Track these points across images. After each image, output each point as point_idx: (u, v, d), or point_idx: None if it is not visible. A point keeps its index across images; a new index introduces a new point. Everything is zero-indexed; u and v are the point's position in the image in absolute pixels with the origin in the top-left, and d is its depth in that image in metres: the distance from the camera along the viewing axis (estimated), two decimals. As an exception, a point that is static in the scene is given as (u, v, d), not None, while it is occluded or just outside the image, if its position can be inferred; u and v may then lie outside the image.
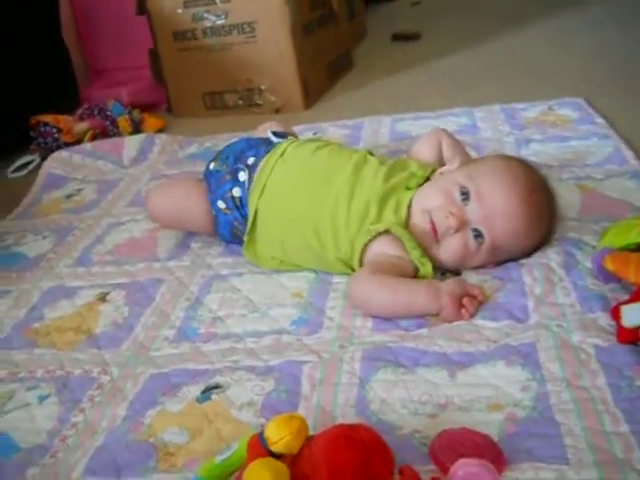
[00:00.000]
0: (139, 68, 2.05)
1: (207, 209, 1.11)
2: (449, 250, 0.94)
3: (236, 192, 1.08)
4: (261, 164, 1.08)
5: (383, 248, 0.96)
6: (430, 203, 0.95)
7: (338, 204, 0.99)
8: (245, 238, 1.06)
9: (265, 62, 1.82)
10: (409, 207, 0.97)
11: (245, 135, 1.27)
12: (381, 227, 0.96)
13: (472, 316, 0.87)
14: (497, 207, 0.92)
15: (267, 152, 1.10)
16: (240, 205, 1.08)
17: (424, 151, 1.13)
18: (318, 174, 1.03)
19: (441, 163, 1.10)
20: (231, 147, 1.16)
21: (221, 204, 1.09)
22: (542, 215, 0.95)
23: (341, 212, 0.98)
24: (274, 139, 1.15)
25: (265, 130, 1.25)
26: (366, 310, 0.91)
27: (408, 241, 0.94)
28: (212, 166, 1.15)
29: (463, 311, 0.87)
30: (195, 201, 1.13)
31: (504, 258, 0.97)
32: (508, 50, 2.15)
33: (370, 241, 0.96)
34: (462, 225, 0.92)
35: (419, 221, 0.96)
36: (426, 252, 0.95)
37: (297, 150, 1.09)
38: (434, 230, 0.94)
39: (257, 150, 1.11)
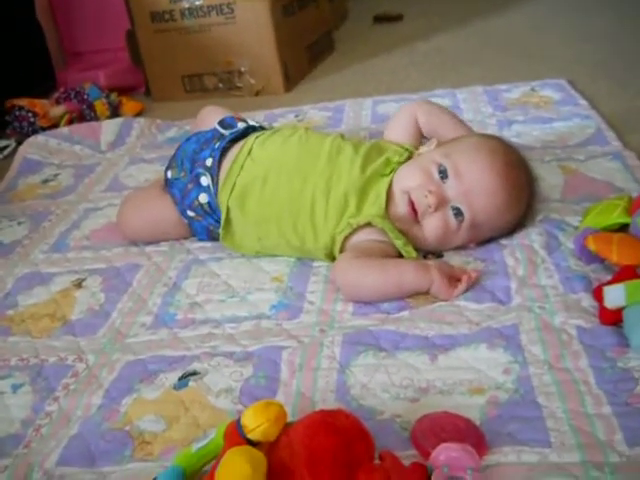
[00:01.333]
0: (116, 50, 2.01)
1: (179, 220, 1.08)
2: (430, 229, 0.93)
3: (202, 198, 1.04)
4: (225, 164, 1.04)
5: (366, 237, 0.94)
6: (408, 183, 0.94)
7: (316, 199, 0.96)
8: (220, 232, 1.03)
9: (245, 44, 1.80)
10: (388, 192, 0.95)
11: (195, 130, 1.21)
12: (362, 220, 0.94)
13: (462, 292, 0.86)
14: (475, 183, 0.91)
15: (222, 149, 1.05)
16: (210, 210, 1.04)
17: (398, 131, 1.08)
18: (291, 169, 0.99)
19: (420, 141, 1.08)
20: (183, 149, 1.12)
21: (191, 213, 1.06)
22: (521, 190, 0.94)
23: (319, 207, 0.96)
24: (223, 132, 1.09)
25: (208, 118, 1.20)
26: (354, 295, 0.89)
27: (390, 231, 0.93)
28: (170, 174, 1.10)
29: (456, 286, 0.86)
30: (166, 216, 1.09)
31: (485, 236, 0.96)
32: (492, 32, 2.14)
33: (351, 234, 0.94)
34: (441, 203, 0.91)
35: (398, 202, 0.94)
36: (408, 237, 0.94)
37: (265, 145, 1.04)
38: (413, 210, 0.92)
39: (211, 149, 1.06)
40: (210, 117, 1.22)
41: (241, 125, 1.12)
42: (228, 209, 1.01)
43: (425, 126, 1.08)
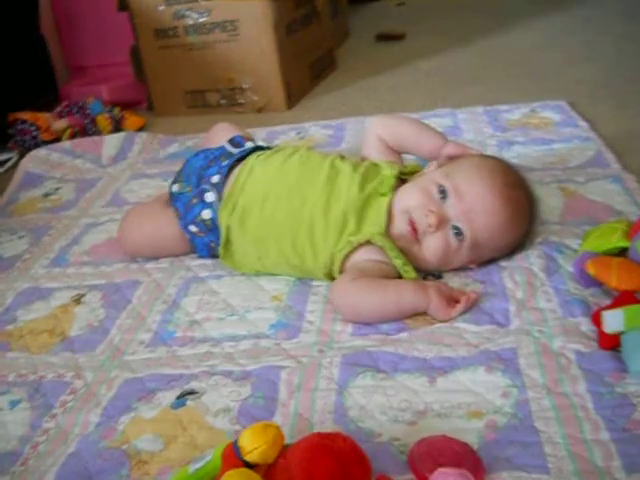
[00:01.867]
0: (120, 65, 2.02)
1: (181, 235, 1.08)
2: (430, 249, 0.93)
3: (206, 214, 1.04)
4: (228, 183, 1.04)
5: (365, 256, 0.94)
6: (409, 202, 0.95)
7: (315, 218, 0.97)
8: (220, 251, 1.03)
9: (247, 61, 1.81)
10: (388, 212, 0.96)
11: (203, 148, 1.21)
12: (362, 238, 0.94)
13: (460, 312, 0.87)
14: (476, 202, 0.91)
15: (229, 167, 1.06)
16: (213, 227, 1.04)
17: (372, 153, 1.08)
18: (290, 188, 1.00)
19: (398, 156, 1.08)
20: (190, 164, 1.12)
21: (193, 228, 1.06)
22: (521, 209, 0.95)
23: (319, 225, 0.96)
24: (232, 150, 1.11)
25: (219, 135, 1.21)
26: (354, 315, 0.89)
27: (390, 250, 0.93)
28: (175, 188, 1.10)
29: (454, 306, 0.87)
30: (168, 232, 1.09)
31: (486, 257, 0.96)
32: (494, 51, 2.15)
33: (351, 252, 0.95)
34: (442, 222, 0.92)
35: (399, 222, 0.95)
36: (408, 257, 0.94)
37: (265, 165, 1.05)
38: (414, 230, 0.93)
39: (219, 166, 1.07)
40: (221, 134, 1.23)
41: (249, 145, 1.13)
42: (228, 228, 1.02)
43: (391, 142, 1.08)
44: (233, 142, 1.13)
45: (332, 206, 0.97)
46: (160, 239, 1.11)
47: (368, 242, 0.94)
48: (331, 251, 0.96)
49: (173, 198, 1.10)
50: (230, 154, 1.10)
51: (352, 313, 0.90)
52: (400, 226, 0.95)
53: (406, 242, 0.94)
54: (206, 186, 1.06)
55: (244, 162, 1.07)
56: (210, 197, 1.05)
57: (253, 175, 1.04)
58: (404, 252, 0.94)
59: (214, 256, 1.07)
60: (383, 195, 0.98)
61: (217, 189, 1.05)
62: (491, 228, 0.92)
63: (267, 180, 1.03)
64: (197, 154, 1.14)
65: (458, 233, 0.92)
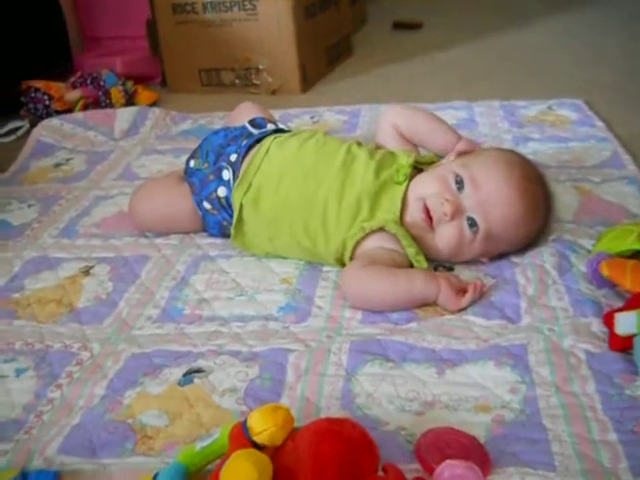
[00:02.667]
0: (135, 38, 2.01)
1: (193, 211, 1.07)
2: (444, 238, 0.92)
3: (221, 192, 1.04)
4: (245, 163, 1.04)
5: (377, 243, 0.94)
6: (425, 190, 0.94)
7: (328, 202, 0.96)
8: (232, 231, 1.03)
9: (264, 41, 1.79)
10: (403, 201, 0.95)
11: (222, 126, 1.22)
12: (375, 225, 0.94)
13: (469, 302, 0.86)
14: (492, 193, 0.91)
15: (248, 147, 1.06)
16: (227, 205, 1.04)
17: (387, 141, 1.09)
18: (306, 171, 0.99)
19: (413, 146, 1.08)
20: (209, 141, 1.12)
21: (207, 205, 1.06)
22: (537, 203, 0.94)
23: (332, 210, 0.96)
24: (252, 130, 1.10)
25: (242, 115, 1.21)
26: (363, 302, 0.89)
27: (404, 238, 0.92)
28: (192, 164, 1.10)
29: (464, 296, 0.87)
30: (180, 207, 1.08)
31: (499, 250, 0.95)
32: (509, 47, 2.13)
33: (363, 238, 0.94)
34: (457, 212, 0.91)
35: (414, 209, 0.94)
36: (421, 245, 0.93)
37: (282, 147, 1.04)
38: (429, 217, 0.92)
39: (237, 145, 1.07)
40: (244, 114, 1.22)
41: (270, 127, 1.12)
42: (241, 207, 1.01)
43: (405, 132, 1.08)
44: (254, 123, 1.12)
45: (346, 191, 0.96)
46: (171, 214, 1.10)
47: (381, 229, 0.94)
48: (343, 236, 0.95)
49: (189, 173, 1.10)
50: (250, 134, 1.09)
51: (361, 300, 0.89)
52: (415, 213, 0.94)
53: (420, 230, 0.94)
54: (224, 164, 1.05)
55: (261, 143, 1.06)
56: (227, 175, 1.04)
57: (269, 156, 1.03)
58: (417, 240, 0.94)
59: (224, 235, 1.07)
60: (399, 183, 0.97)
61: (234, 168, 1.04)
62: (506, 220, 0.91)
63: (283, 162, 1.02)
64: (217, 132, 1.14)
65: (472, 224, 0.92)
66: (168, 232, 1.11)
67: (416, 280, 0.88)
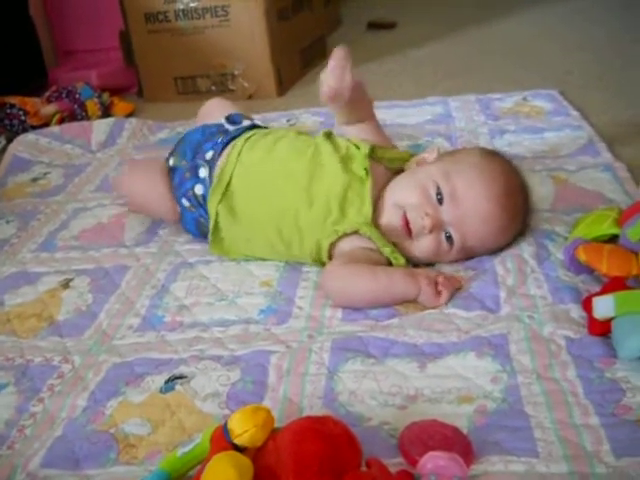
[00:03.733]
0: (109, 50, 2.00)
1: (172, 203, 1.08)
2: (421, 248, 0.93)
3: (198, 190, 1.04)
4: (218, 166, 1.03)
5: (352, 243, 0.94)
6: (405, 199, 0.93)
7: (299, 206, 0.95)
8: (210, 238, 1.03)
9: (238, 47, 1.79)
10: (376, 200, 0.95)
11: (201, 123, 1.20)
12: (348, 228, 0.93)
13: (448, 299, 0.87)
14: (470, 209, 0.90)
15: (224, 144, 1.05)
16: (204, 202, 1.03)
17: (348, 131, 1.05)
18: (276, 176, 0.99)
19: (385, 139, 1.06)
20: (188, 138, 1.12)
21: (185, 202, 1.06)
22: (517, 217, 0.94)
23: (303, 214, 0.95)
24: (229, 127, 1.10)
25: (216, 112, 1.20)
26: (343, 300, 0.89)
27: (378, 240, 0.92)
28: (172, 162, 1.10)
29: (441, 294, 0.87)
30: (159, 197, 1.09)
31: (477, 255, 0.95)
32: (486, 40, 2.15)
33: (336, 240, 0.94)
34: (436, 227, 0.91)
35: (391, 215, 0.93)
36: (397, 247, 0.93)
37: (253, 150, 1.03)
38: (408, 228, 0.92)
39: (214, 142, 1.07)
40: (217, 111, 1.21)
41: (246, 123, 1.12)
42: (217, 214, 1.01)
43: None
44: (230, 119, 1.12)
45: (315, 194, 0.95)
46: (150, 202, 1.12)
47: (355, 232, 0.94)
48: (317, 238, 0.95)
49: (171, 171, 1.10)
50: (226, 131, 1.09)
51: (342, 298, 0.89)
52: (393, 219, 0.93)
53: (397, 236, 0.93)
54: (200, 161, 1.05)
55: (234, 144, 1.05)
56: (203, 173, 1.04)
57: (241, 161, 1.02)
58: (393, 242, 0.94)
59: (200, 231, 1.07)
60: (362, 179, 0.96)
61: (210, 165, 1.04)
62: (483, 236, 0.92)
63: (255, 166, 1.02)
64: (196, 129, 1.14)
65: (449, 237, 0.92)
66: (146, 214, 1.16)
67: (396, 279, 0.88)
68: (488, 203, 0.90)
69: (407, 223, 0.92)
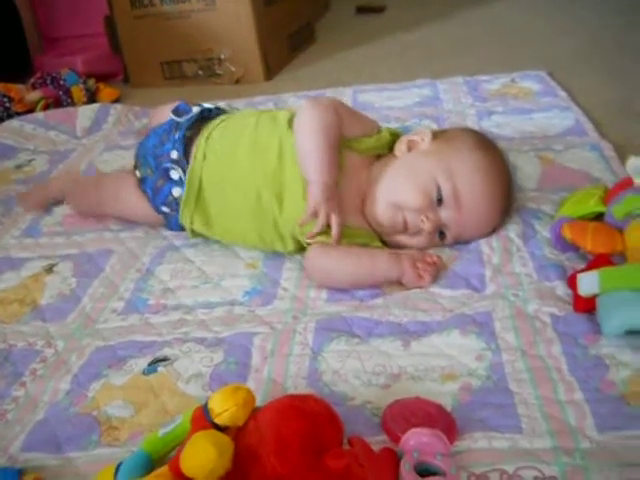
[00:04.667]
0: (94, 36, 1.98)
1: (154, 214, 1.06)
2: (413, 243, 0.92)
3: (176, 192, 1.01)
4: (191, 158, 1.00)
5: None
6: (405, 201, 0.89)
7: (273, 206, 0.94)
8: (189, 235, 1.02)
9: (225, 31, 1.78)
10: (365, 191, 0.93)
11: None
12: (317, 242, 0.90)
13: (432, 280, 0.86)
14: (471, 217, 0.90)
15: (182, 138, 1.01)
16: None
17: None
18: (245, 179, 0.95)
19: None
20: (143, 146, 1.07)
21: (165, 209, 1.03)
22: (505, 213, 0.95)
23: (276, 214, 0.94)
24: (178, 119, 1.04)
25: (164, 112, 1.12)
26: (327, 280, 0.89)
27: (356, 238, 0.91)
28: (138, 174, 1.06)
29: (423, 275, 0.86)
30: (143, 211, 1.06)
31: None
32: (475, 23, 2.14)
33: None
34: (435, 229, 0.90)
35: (387, 213, 0.91)
36: (385, 238, 0.93)
37: (217, 151, 0.99)
38: (405, 228, 0.91)
39: (172, 141, 1.02)
40: (163, 111, 1.15)
41: (196, 109, 1.06)
42: (193, 231, 1.01)
43: None
44: (178, 111, 1.06)
45: (285, 191, 0.93)
46: (135, 217, 1.09)
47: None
48: (293, 235, 0.94)
49: (141, 182, 1.06)
50: (178, 124, 1.04)
51: (325, 278, 0.89)
52: (388, 218, 0.91)
53: (389, 230, 0.93)
54: (168, 164, 1.01)
55: (196, 145, 1.01)
56: (175, 174, 1.01)
57: (208, 164, 0.99)
58: (378, 233, 0.94)
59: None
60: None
61: (180, 164, 1.00)
62: (476, 233, 0.93)
63: (222, 172, 0.98)
64: (148, 136, 1.09)
65: (442, 234, 0.92)
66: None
67: (379, 261, 0.88)
68: (486, 207, 0.90)
69: (406, 225, 0.91)
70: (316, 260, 0.90)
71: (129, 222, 1.10)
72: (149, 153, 1.05)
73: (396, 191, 0.91)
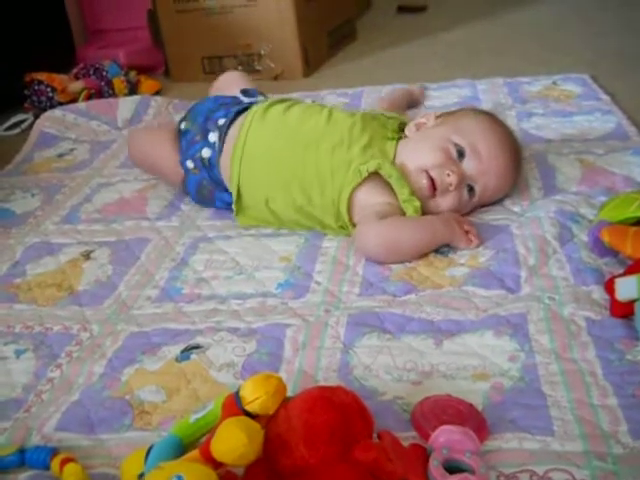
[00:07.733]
0: (137, 29, 2.01)
1: (177, 163, 1.11)
2: (445, 205, 0.96)
3: (205, 153, 1.07)
4: (232, 132, 1.05)
5: (369, 194, 0.96)
6: (428, 161, 0.96)
7: (320, 156, 0.98)
8: (234, 208, 1.05)
9: (265, 27, 1.78)
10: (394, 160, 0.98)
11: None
12: (372, 165, 0.95)
13: (479, 243, 0.92)
14: (491, 164, 0.96)
15: (237, 113, 1.08)
16: (209, 165, 1.07)
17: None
18: (294, 132, 1.02)
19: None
20: (200, 105, 1.14)
21: (190, 164, 1.09)
22: (519, 169, 1.03)
23: (324, 163, 0.98)
24: (244, 99, 1.13)
25: (232, 85, 1.23)
26: (392, 253, 0.91)
27: (397, 180, 0.94)
28: (183, 126, 1.13)
29: (471, 237, 0.92)
30: (166, 161, 1.13)
31: (486, 205, 1.02)
32: (516, 24, 2.11)
33: (358, 185, 0.95)
34: (461, 182, 0.95)
35: (415, 178, 0.96)
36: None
37: (268, 111, 1.06)
38: (433, 187, 0.95)
39: (227, 110, 1.09)
40: (233, 85, 1.24)
41: (261, 98, 1.14)
42: (239, 184, 1.03)
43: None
44: (247, 93, 1.14)
45: (337, 145, 0.98)
46: (157, 163, 1.17)
47: (374, 175, 0.95)
48: (339, 186, 0.96)
49: (179, 134, 1.13)
50: (240, 102, 1.11)
51: (390, 252, 0.91)
52: (417, 182, 0.96)
53: (420, 197, 0.95)
54: (211, 126, 1.08)
55: (248, 111, 1.07)
56: (213, 137, 1.07)
57: (257, 123, 1.05)
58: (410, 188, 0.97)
59: (201, 195, 1.10)
60: (388, 139, 1.00)
61: (220, 131, 1.06)
62: (499, 188, 1.00)
63: (271, 126, 1.04)
64: (208, 98, 1.16)
65: (471, 190, 0.96)
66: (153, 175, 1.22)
67: (436, 225, 0.92)
68: (504, 154, 0.97)
69: (432, 182, 0.95)
70: (374, 233, 0.92)
71: (154, 174, 1.20)
72: (202, 113, 1.11)
73: (417, 156, 0.97)
